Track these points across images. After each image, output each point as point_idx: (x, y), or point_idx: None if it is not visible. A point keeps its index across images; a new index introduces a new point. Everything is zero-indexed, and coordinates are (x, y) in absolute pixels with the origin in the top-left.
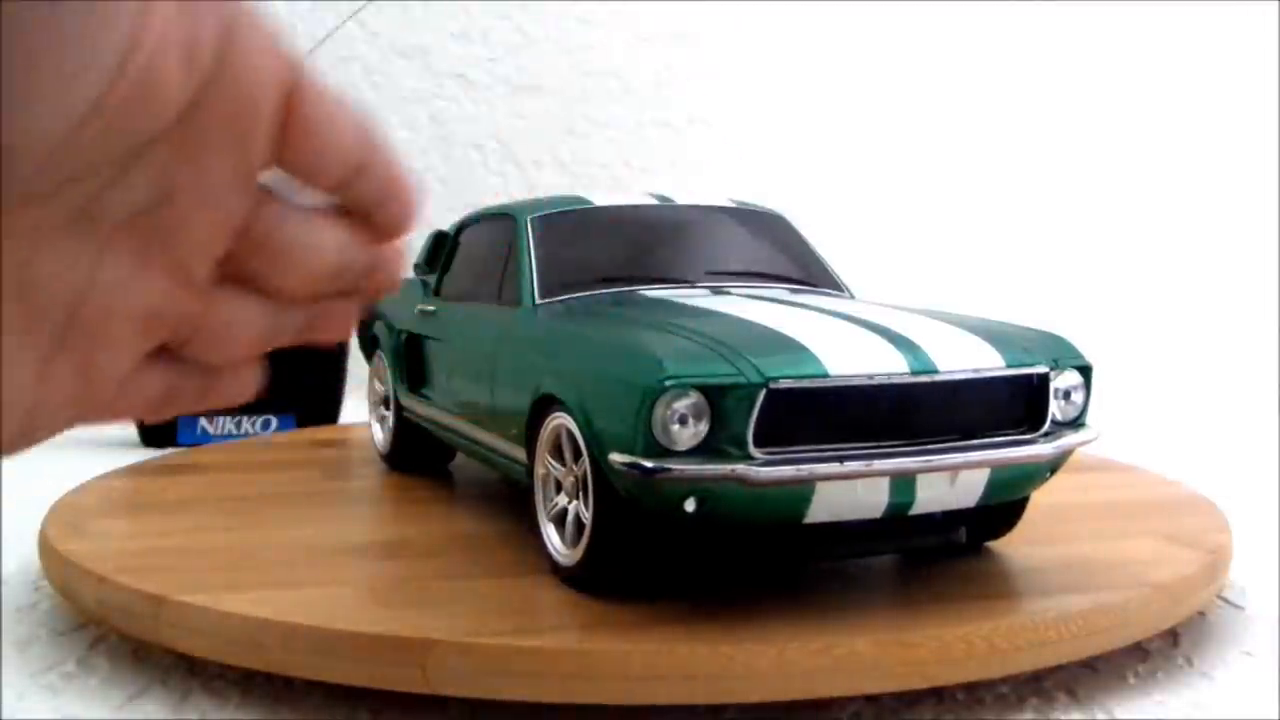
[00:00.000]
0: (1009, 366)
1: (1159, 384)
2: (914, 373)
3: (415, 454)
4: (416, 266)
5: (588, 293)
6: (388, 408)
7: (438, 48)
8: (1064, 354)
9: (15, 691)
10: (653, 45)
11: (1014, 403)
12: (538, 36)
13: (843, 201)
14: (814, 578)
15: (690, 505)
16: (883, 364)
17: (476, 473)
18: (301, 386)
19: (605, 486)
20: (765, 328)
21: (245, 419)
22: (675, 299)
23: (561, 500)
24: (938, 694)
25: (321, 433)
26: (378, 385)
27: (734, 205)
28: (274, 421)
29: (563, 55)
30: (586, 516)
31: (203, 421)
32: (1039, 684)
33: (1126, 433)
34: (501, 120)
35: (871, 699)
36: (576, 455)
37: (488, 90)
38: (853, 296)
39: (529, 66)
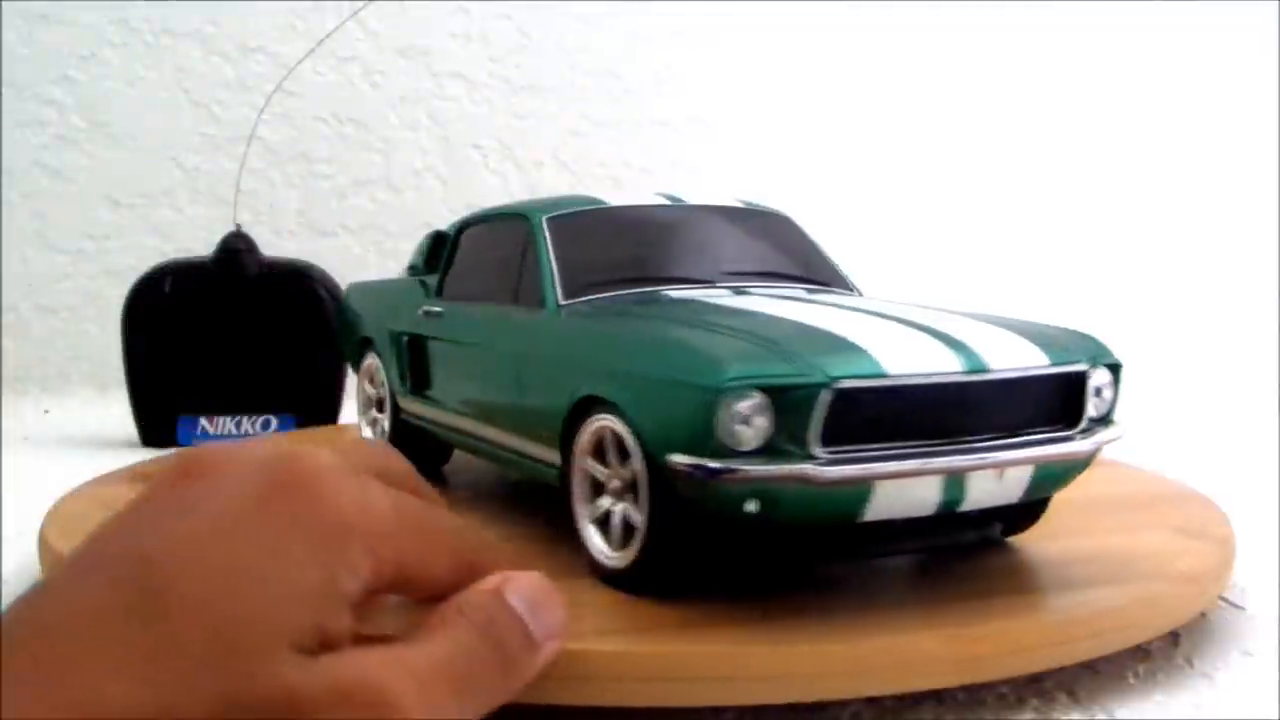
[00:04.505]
0: (1053, 364)
1: (1159, 383)
2: (968, 371)
3: (411, 456)
4: (413, 268)
5: (610, 294)
6: (380, 410)
7: (438, 48)
8: (1097, 352)
9: None
10: (652, 45)
11: (1054, 400)
12: (538, 36)
13: (843, 201)
14: (815, 578)
15: (752, 506)
16: (938, 363)
17: (473, 475)
18: (301, 386)
19: (661, 489)
20: (813, 327)
21: (245, 419)
22: (701, 299)
23: (605, 503)
24: (938, 694)
25: (321, 433)
26: (368, 388)
27: (742, 205)
28: (274, 421)
29: (563, 55)
30: (637, 519)
31: (203, 421)
32: (1039, 684)
33: (1126, 432)
34: (501, 120)
35: (871, 699)
36: (622, 457)
37: (488, 90)
38: (862, 296)
39: (529, 66)
